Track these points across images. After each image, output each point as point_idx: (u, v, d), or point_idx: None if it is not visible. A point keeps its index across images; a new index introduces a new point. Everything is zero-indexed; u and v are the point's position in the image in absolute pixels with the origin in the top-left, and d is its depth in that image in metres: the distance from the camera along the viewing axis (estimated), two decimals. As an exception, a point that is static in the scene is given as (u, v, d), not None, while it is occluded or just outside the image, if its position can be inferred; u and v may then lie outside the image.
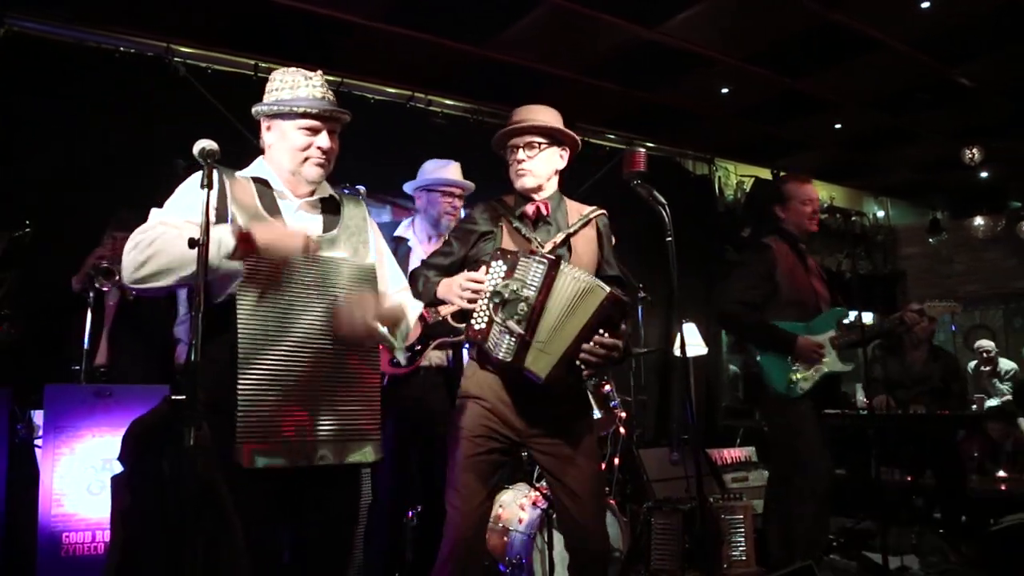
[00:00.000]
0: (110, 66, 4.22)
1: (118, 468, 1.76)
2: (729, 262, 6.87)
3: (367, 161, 4.56)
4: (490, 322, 2.17)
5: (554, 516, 3.16)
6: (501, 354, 2.15)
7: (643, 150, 2.34)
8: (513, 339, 2.14)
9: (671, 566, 3.64)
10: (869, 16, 4.41)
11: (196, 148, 1.65)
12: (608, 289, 2.17)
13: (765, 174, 7.17)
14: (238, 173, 1.92)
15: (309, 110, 1.89)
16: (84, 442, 3.07)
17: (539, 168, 2.38)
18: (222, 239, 1.68)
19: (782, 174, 3.77)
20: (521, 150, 2.38)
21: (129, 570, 1.64)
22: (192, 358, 1.51)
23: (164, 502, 1.58)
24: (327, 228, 1.97)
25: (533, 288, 2.15)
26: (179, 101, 4.26)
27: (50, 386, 3.10)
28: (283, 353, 1.78)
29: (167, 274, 1.69)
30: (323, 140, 1.93)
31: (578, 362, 2.18)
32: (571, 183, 5.73)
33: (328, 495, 1.90)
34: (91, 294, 3.41)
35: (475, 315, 2.20)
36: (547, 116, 2.42)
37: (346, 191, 3.70)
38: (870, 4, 4.26)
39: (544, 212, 2.40)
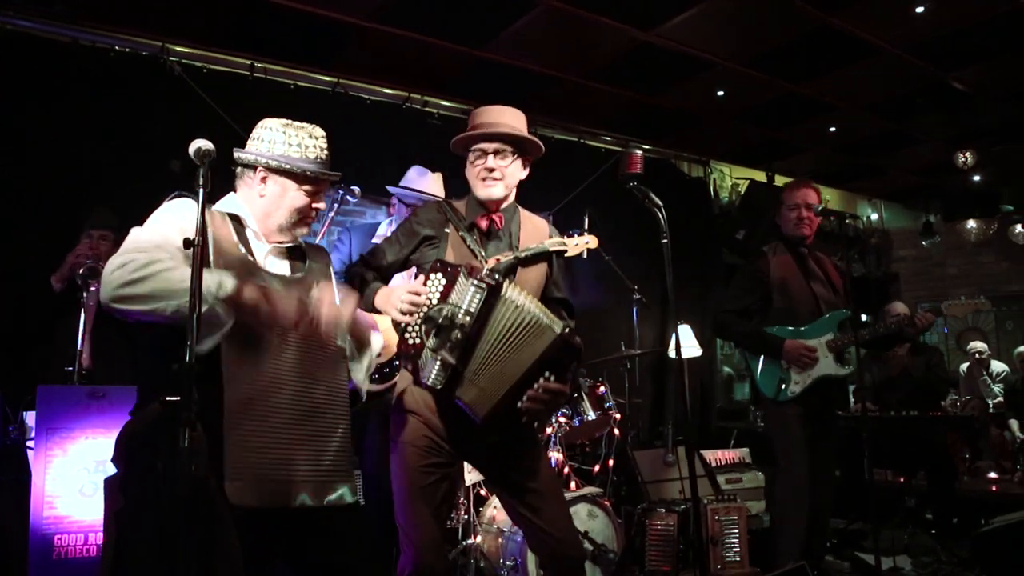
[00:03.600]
0: (105, 65, 4.20)
1: (111, 470, 1.75)
2: (725, 264, 6.91)
3: (363, 162, 4.56)
4: (423, 341, 2.06)
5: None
6: (430, 380, 2.04)
7: (639, 152, 2.28)
8: (443, 368, 2.02)
9: (665, 567, 3.64)
10: (864, 21, 4.43)
11: (192, 148, 1.64)
12: (559, 330, 2.04)
13: (760, 177, 7.19)
14: (214, 207, 1.90)
15: (320, 176, 1.93)
16: (77, 444, 3.05)
17: (509, 178, 2.27)
18: (223, 281, 1.67)
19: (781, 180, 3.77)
20: (491, 156, 2.24)
21: (123, 572, 1.63)
22: (188, 359, 1.51)
23: (158, 504, 1.57)
24: (294, 271, 1.98)
25: (469, 315, 2.01)
26: (174, 101, 4.25)
27: (43, 387, 3.07)
28: (267, 399, 1.77)
29: (154, 300, 1.63)
30: (320, 202, 1.98)
31: (520, 405, 2.06)
32: (566, 185, 5.78)
33: (323, 541, 1.87)
34: (84, 294, 3.38)
35: (409, 328, 2.09)
36: (517, 121, 2.29)
37: (341, 192, 3.73)
38: (865, 9, 4.27)
39: (497, 227, 2.28)
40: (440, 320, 2.01)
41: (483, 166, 2.25)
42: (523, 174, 2.34)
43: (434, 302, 2.06)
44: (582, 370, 4.29)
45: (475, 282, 2.02)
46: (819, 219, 3.59)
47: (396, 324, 2.17)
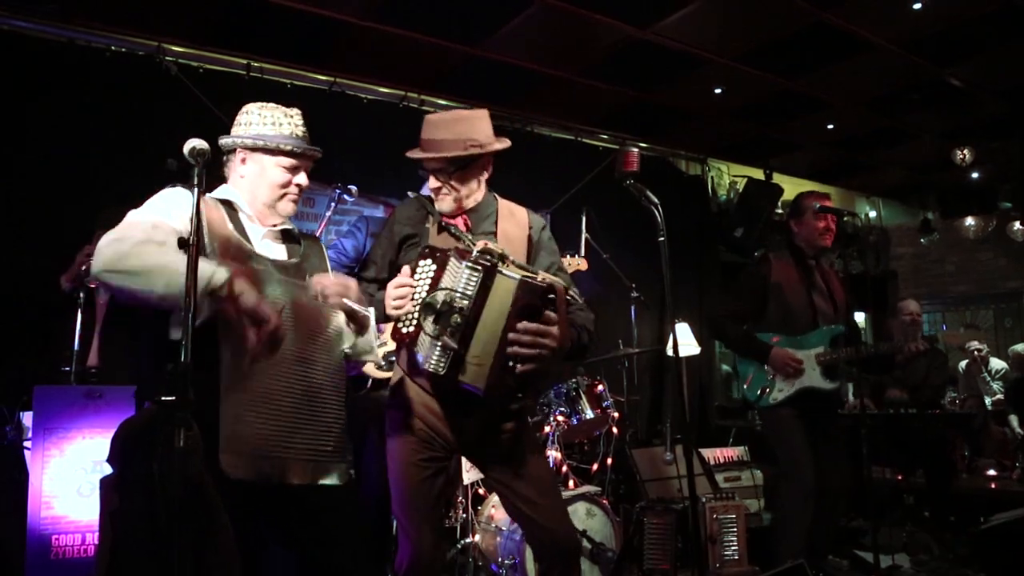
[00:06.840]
0: (101, 65, 4.19)
1: (108, 470, 1.75)
2: (723, 262, 6.90)
3: (359, 161, 4.56)
4: (418, 327, 2.01)
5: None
6: (431, 366, 1.98)
7: (636, 150, 2.27)
8: (446, 353, 1.97)
9: (664, 566, 3.64)
10: (861, 17, 4.42)
11: (186, 148, 1.64)
12: (518, 277, 1.97)
13: (758, 174, 7.18)
14: (207, 195, 1.92)
15: (295, 149, 1.96)
16: (74, 444, 3.05)
17: (460, 189, 2.22)
18: (216, 272, 1.67)
19: (803, 191, 3.76)
20: (432, 177, 2.22)
21: (118, 572, 1.63)
22: (183, 359, 1.50)
23: (153, 504, 1.57)
24: (290, 256, 2.01)
25: (467, 298, 1.96)
26: (171, 100, 4.24)
27: (39, 387, 3.08)
28: (263, 378, 1.79)
29: (145, 276, 1.64)
30: (301, 178, 2.01)
31: (510, 362, 1.97)
32: (564, 184, 5.77)
33: (315, 516, 1.88)
34: (81, 294, 3.38)
35: (403, 318, 2.05)
36: (455, 132, 2.18)
37: (338, 191, 3.72)
38: (862, 5, 4.27)
39: (464, 229, 2.23)
40: (439, 306, 1.97)
41: (430, 186, 2.24)
42: (483, 175, 2.28)
43: (424, 288, 2.03)
44: (580, 368, 4.29)
45: (469, 264, 1.98)
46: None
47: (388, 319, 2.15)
